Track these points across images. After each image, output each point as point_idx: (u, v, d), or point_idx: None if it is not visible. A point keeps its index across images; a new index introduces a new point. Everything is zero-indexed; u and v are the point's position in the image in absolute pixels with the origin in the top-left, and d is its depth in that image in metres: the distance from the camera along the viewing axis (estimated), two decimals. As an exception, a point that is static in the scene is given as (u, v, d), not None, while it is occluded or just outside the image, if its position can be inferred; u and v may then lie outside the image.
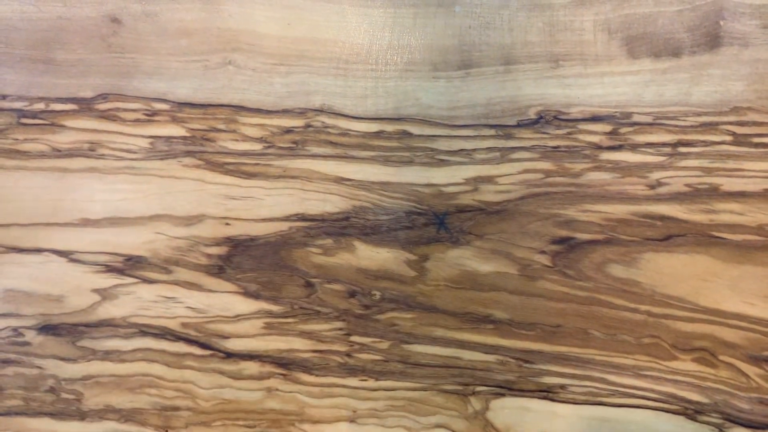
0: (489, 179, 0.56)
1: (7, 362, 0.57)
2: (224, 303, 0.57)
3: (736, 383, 0.54)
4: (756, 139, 0.55)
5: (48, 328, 0.57)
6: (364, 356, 0.56)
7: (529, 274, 0.56)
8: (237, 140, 0.57)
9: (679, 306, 0.55)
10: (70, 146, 0.57)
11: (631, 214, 0.56)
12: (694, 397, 0.54)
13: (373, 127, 0.57)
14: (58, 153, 0.57)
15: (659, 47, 0.56)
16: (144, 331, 0.56)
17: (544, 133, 0.56)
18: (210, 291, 0.57)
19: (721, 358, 0.55)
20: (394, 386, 0.55)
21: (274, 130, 0.57)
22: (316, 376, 0.56)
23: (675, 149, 0.56)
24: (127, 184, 0.57)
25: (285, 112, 0.57)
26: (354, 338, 0.56)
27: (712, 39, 0.56)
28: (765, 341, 0.55)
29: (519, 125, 0.56)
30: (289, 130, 0.57)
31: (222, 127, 0.57)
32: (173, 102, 0.57)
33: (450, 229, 0.56)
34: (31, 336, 0.57)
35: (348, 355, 0.56)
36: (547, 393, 0.55)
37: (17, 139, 0.57)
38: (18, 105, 0.57)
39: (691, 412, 0.54)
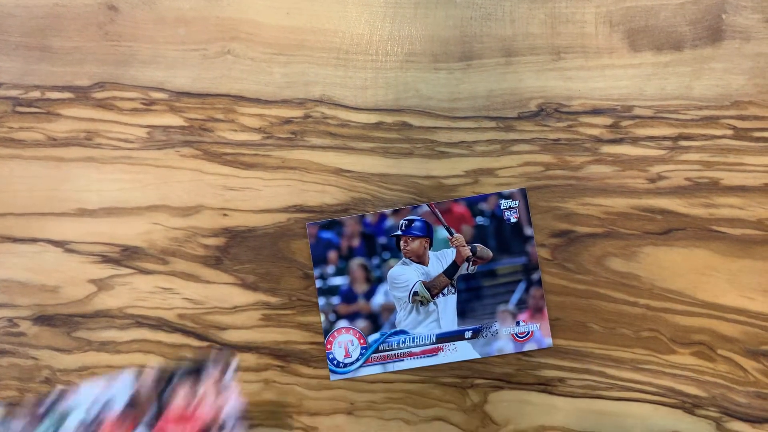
0: (489, 171, 0.56)
1: (1, 353, 0.56)
2: (221, 294, 0.56)
3: (734, 377, 0.54)
4: (757, 134, 0.55)
5: (43, 319, 0.56)
6: (362, 348, 0.56)
7: (529, 267, 0.56)
8: (235, 130, 0.56)
9: (678, 300, 0.55)
10: (66, 135, 0.56)
11: (631, 208, 0.55)
12: (692, 390, 0.55)
13: (373, 118, 0.56)
14: (54, 142, 0.56)
15: (661, 40, 0.56)
16: (140, 322, 0.56)
17: (544, 125, 0.56)
18: (207, 282, 0.56)
19: (720, 352, 0.55)
20: (392, 378, 0.55)
21: (273, 121, 0.56)
22: (314, 368, 0.55)
23: (676, 143, 0.56)
24: (123, 174, 0.56)
25: (284, 102, 0.56)
26: (352, 330, 0.56)
27: (713, 33, 0.56)
28: (763, 335, 0.55)
29: (520, 117, 0.56)
30: (288, 121, 0.56)
31: (220, 116, 0.56)
32: (171, 91, 0.56)
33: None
34: (26, 326, 0.57)
35: (346, 347, 0.56)
36: (546, 386, 0.55)
37: (12, 128, 0.56)
38: (13, 93, 0.56)
39: (689, 405, 0.54)
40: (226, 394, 0.34)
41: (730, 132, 0.55)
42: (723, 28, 0.56)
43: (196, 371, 0.34)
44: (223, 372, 0.34)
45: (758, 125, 0.55)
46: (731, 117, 0.55)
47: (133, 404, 0.35)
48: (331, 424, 0.55)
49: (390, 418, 0.55)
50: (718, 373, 0.55)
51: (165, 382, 0.33)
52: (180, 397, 0.35)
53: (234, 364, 0.40)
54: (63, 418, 0.36)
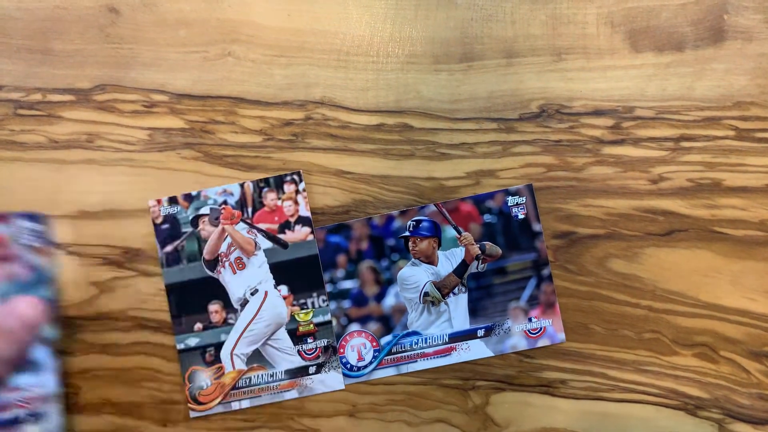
0: (490, 173, 0.56)
1: (3, 355, 0.56)
2: (223, 296, 0.56)
3: (736, 379, 0.54)
4: (759, 134, 0.55)
5: (45, 321, 0.56)
6: (363, 350, 0.56)
7: (530, 268, 0.56)
8: (236, 132, 0.56)
9: (680, 301, 0.55)
10: (67, 138, 0.56)
11: (633, 209, 0.55)
12: (695, 392, 0.54)
13: (374, 119, 0.56)
14: (56, 144, 0.56)
15: (662, 41, 0.56)
16: (142, 324, 0.56)
17: (546, 126, 0.56)
18: (209, 284, 0.56)
19: (722, 353, 0.55)
20: (393, 380, 0.55)
21: (274, 123, 0.56)
22: (316, 370, 0.55)
23: (677, 144, 0.55)
24: (125, 176, 0.56)
25: (285, 104, 0.56)
26: (354, 332, 0.56)
27: (715, 33, 0.56)
28: (766, 337, 0.54)
29: (521, 119, 0.56)
30: (289, 123, 0.56)
31: (221, 119, 0.56)
32: (172, 93, 0.56)
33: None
34: (28, 329, 0.56)
35: (348, 349, 0.56)
36: (548, 388, 0.55)
37: (14, 130, 0.56)
38: (15, 96, 0.56)
39: (692, 407, 0.54)
40: (300, 200, 0.55)
41: (732, 133, 0.55)
42: (725, 28, 0.56)
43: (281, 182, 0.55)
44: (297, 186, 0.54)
45: (760, 126, 0.55)
46: (733, 118, 0.55)
47: (240, 202, 0.56)
48: (332, 426, 0.55)
49: (392, 420, 0.55)
50: (720, 374, 0.54)
51: (260, 188, 0.55)
52: (270, 199, 0.55)
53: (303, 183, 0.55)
54: (202, 202, 0.55)
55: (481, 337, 0.55)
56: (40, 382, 0.38)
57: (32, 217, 0.34)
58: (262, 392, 0.55)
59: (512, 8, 0.57)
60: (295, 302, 0.55)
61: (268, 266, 0.56)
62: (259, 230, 0.55)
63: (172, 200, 0.56)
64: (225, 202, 0.56)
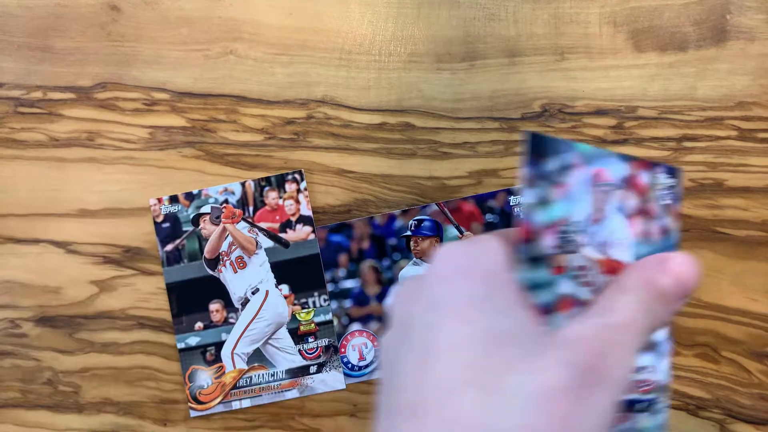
0: (493, 172, 0.56)
1: (3, 354, 0.56)
2: (224, 295, 0.56)
3: (737, 379, 0.54)
4: (761, 135, 0.55)
5: (45, 320, 0.56)
6: (365, 350, 0.56)
7: (532, 268, 0.55)
8: (238, 131, 0.56)
9: (682, 301, 0.55)
10: (68, 136, 0.56)
11: (635, 209, 0.55)
12: (696, 392, 0.54)
13: (376, 118, 0.56)
14: (56, 142, 0.56)
15: (665, 41, 0.56)
16: (143, 323, 0.56)
17: (548, 126, 0.56)
18: (210, 283, 0.56)
19: (723, 353, 0.55)
20: (395, 380, 0.55)
21: (276, 121, 0.56)
22: (317, 369, 0.55)
23: (680, 144, 0.55)
24: (125, 174, 0.56)
25: (287, 102, 0.56)
26: (355, 332, 0.56)
27: (718, 33, 0.56)
28: (767, 337, 0.54)
29: (523, 118, 0.56)
30: (290, 122, 0.56)
31: (222, 117, 0.56)
32: (173, 92, 0.56)
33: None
34: (28, 328, 0.56)
35: (349, 348, 0.56)
36: (549, 388, 0.55)
37: (14, 128, 0.56)
38: (15, 93, 0.56)
39: (693, 407, 0.54)
40: (301, 199, 0.55)
41: (734, 133, 0.55)
42: (727, 28, 0.56)
43: (282, 181, 0.55)
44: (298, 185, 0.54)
45: (762, 126, 0.55)
46: (735, 118, 0.55)
47: (241, 200, 0.56)
48: (333, 425, 0.55)
49: (393, 419, 0.55)
50: (722, 375, 0.54)
51: (261, 187, 0.55)
52: (271, 198, 0.55)
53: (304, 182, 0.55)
54: (203, 201, 0.55)
55: (483, 337, 0.55)
56: (658, 366, 0.33)
57: (671, 170, 0.30)
58: (263, 392, 0.55)
59: (515, 7, 0.57)
60: (296, 301, 0.55)
61: (269, 265, 0.56)
62: (261, 229, 0.55)
63: (173, 199, 0.56)
64: (226, 201, 0.55)
